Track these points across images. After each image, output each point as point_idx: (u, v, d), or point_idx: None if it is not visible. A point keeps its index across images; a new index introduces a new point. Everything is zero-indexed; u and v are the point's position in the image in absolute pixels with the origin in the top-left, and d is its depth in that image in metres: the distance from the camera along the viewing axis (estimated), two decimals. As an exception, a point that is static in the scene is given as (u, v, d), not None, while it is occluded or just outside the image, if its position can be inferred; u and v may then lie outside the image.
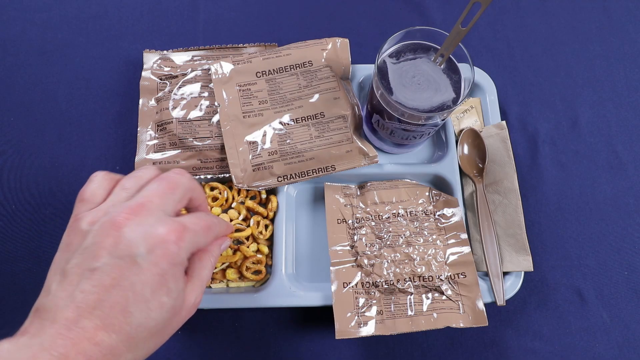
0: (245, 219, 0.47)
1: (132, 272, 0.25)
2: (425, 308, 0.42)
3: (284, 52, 0.49)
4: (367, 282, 0.43)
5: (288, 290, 0.44)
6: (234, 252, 0.45)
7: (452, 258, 0.45)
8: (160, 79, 0.50)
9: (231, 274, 0.45)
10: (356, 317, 0.42)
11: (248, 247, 0.46)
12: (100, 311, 0.24)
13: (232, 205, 0.47)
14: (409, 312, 0.42)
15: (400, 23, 0.60)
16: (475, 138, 0.50)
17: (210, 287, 0.45)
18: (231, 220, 0.47)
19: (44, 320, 0.24)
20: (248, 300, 0.43)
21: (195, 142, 0.46)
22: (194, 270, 0.30)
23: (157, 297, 0.26)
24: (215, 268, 0.46)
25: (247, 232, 0.46)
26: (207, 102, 0.48)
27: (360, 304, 0.42)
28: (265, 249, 0.46)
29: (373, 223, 0.46)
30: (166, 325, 0.27)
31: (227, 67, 0.48)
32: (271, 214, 0.47)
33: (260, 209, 0.47)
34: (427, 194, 0.48)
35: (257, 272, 0.46)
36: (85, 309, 0.24)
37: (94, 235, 0.26)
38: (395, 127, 0.43)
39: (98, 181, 0.30)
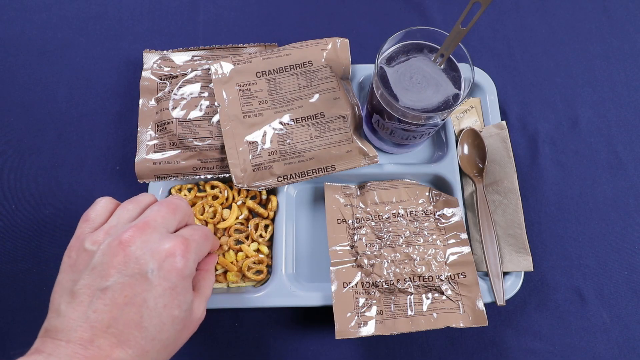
0: (247, 219, 0.47)
1: (143, 289, 0.26)
2: (425, 308, 0.42)
3: (284, 52, 0.49)
4: (367, 282, 0.43)
5: (288, 290, 0.44)
6: (236, 252, 0.45)
7: (452, 258, 0.45)
8: (160, 79, 0.50)
9: (232, 276, 0.45)
10: (356, 317, 0.42)
11: (248, 246, 0.46)
12: (115, 329, 0.24)
13: (233, 205, 0.47)
14: (409, 312, 0.42)
15: (400, 23, 0.60)
16: (475, 138, 0.50)
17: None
18: (224, 220, 0.47)
19: (58, 341, 0.24)
20: (248, 300, 0.43)
21: (195, 142, 0.46)
22: (200, 287, 0.32)
23: (170, 311, 0.27)
24: (216, 270, 0.46)
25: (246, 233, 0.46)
26: (207, 102, 0.48)
27: (360, 304, 0.42)
28: (265, 249, 0.46)
29: (373, 223, 0.46)
30: (177, 338, 0.28)
31: (227, 67, 0.48)
32: (271, 214, 0.47)
33: (261, 210, 0.47)
34: (427, 194, 0.48)
35: (259, 272, 0.46)
36: (99, 328, 0.24)
37: (101, 255, 0.26)
38: (395, 127, 0.43)
39: (103, 204, 0.31)
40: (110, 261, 0.26)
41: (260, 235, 0.46)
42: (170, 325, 0.27)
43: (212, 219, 0.46)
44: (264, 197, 0.48)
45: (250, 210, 0.48)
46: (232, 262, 0.45)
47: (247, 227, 0.47)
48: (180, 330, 0.28)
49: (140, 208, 0.31)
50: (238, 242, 0.46)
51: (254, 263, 0.45)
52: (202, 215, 0.46)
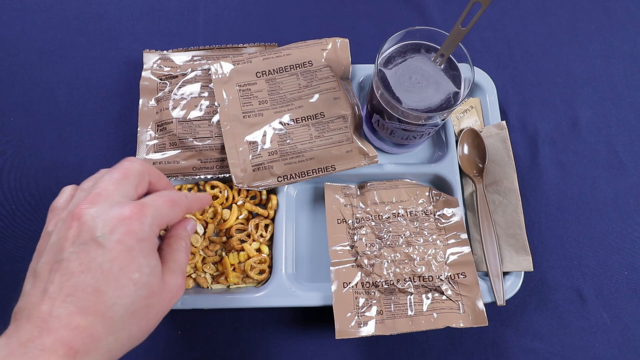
0: (247, 219, 0.47)
1: (98, 254, 0.25)
2: (425, 308, 0.42)
3: (284, 52, 0.49)
4: (367, 282, 0.43)
5: (288, 290, 0.44)
6: (238, 252, 0.45)
7: (452, 258, 0.45)
8: (160, 79, 0.50)
9: (233, 277, 0.45)
10: (356, 317, 0.42)
11: (250, 244, 0.46)
12: (73, 297, 0.24)
13: (233, 205, 0.47)
14: (409, 312, 0.42)
15: (400, 23, 0.60)
16: (475, 138, 0.50)
17: (210, 287, 0.45)
18: (225, 221, 0.47)
19: (19, 320, 0.24)
20: (248, 300, 0.43)
21: (195, 142, 0.46)
22: (166, 254, 0.30)
23: (128, 274, 0.26)
24: (218, 271, 0.46)
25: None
26: (207, 102, 0.48)
27: (360, 304, 0.42)
28: (266, 249, 0.46)
29: (373, 223, 0.46)
30: (146, 305, 0.27)
31: (227, 67, 0.48)
32: (271, 212, 0.47)
33: (260, 210, 0.47)
34: (427, 194, 0.48)
35: (261, 272, 0.46)
36: (58, 299, 0.24)
37: (57, 231, 0.27)
38: (395, 127, 0.43)
39: (67, 191, 0.31)
40: (65, 235, 0.26)
41: (261, 235, 0.46)
42: (132, 289, 0.26)
43: (211, 219, 0.46)
44: (264, 197, 0.48)
45: (251, 212, 0.48)
46: (232, 264, 0.45)
47: (248, 227, 0.47)
48: (147, 297, 0.27)
49: (96, 181, 0.30)
50: (241, 241, 0.46)
51: (257, 263, 0.45)
52: (201, 215, 0.46)
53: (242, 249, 0.45)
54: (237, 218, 0.47)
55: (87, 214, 0.26)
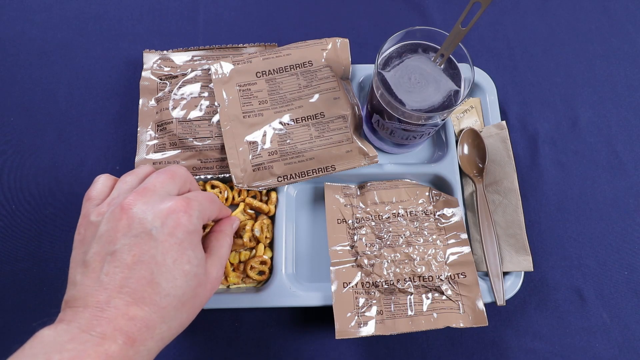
0: (251, 218, 0.47)
1: (150, 246, 0.26)
2: (425, 308, 0.42)
3: (284, 52, 0.49)
4: (367, 282, 0.43)
5: (288, 290, 0.44)
6: (251, 250, 0.45)
7: (452, 258, 0.45)
8: (160, 79, 0.50)
9: (233, 277, 0.45)
10: (356, 317, 0.42)
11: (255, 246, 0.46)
12: (128, 288, 0.25)
13: (241, 204, 0.47)
14: (409, 312, 0.42)
15: (400, 23, 0.60)
16: (475, 138, 0.50)
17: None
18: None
19: (76, 308, 0.25)
20: (248, 300, 0.43)
21: (195, 142, 0.46)
22: (212, 247, 0.32)
23: (180, 266, 0.27)
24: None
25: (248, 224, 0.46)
26: (207, 102, 0.48)
27: (360, 304, 0.42)
28: (269, 252, 0.46)
29: (373, 223, 0.46)
30: (194, 295, 0.28)
31: (227, 67, 0.48)
32: (272, 208, 0.47)
33: (261, 205, 0.47)
34: (427, 194, 0.48)
35: (261, 273, 0.46)
36: (113, 290, 0.25)
37: (106, 222, 0.27)
38: (395, 127, 0.43)
39: (102, 181, 0.32)
40: (115, 227, 0.27)
41: (266, 237, 0.46)
42: (183, 280, 0.27)
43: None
44: (265, 199, 0.48)
45: (252, 209, 0.47)
46: (232, 264, 0.45)
47: (252, 230, 0.46)
48: (195, 287, 0.28)
49: (139, 178, 0.32)
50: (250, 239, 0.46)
51: (259, 263, 0.45)
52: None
53: (253, 248, 0.45)
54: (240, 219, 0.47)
55: (137, 206, 0.27)
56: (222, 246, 0.33)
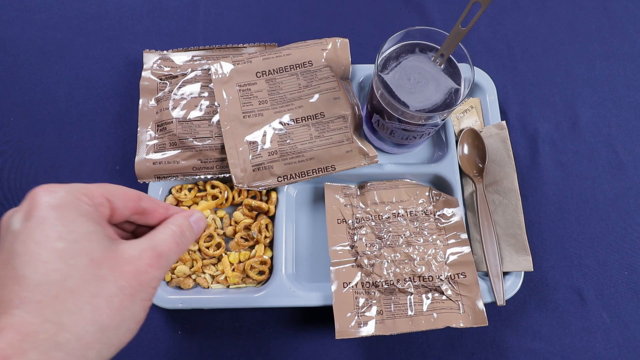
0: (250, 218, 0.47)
1: (11, 242, 0.21)
2: (425, 308, 0.42)
3: (284, 52, 0.49)
4: (367, 282, 0.43)
5: (288, 290, 0.44)
6: (250, 249, 0.46)
7: (452, 258, 0.45)
8: (160, 79, 0.50)
9: (233, 277, 0.45)
10: (356, 317, 0.42)
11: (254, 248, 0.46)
12: None
13: (243, 201, 0.47)
14: (409, 312, 0.42)
15: (400, 23, 0.60)
16: (475, 138, 0.50)
17: (210, 287, 0.45)
18: (237, 223, 0.47)
19: None
20: (248, 300, 0.43)
21: (195, 142, 0.46)
22: (148, 234, 0.26)
23: (47, 246, 0.21)
24: (218, 270, 0.46)
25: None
26: (207, 102, 0.48)
27: (360, 304, 0.42)
28: (269, 252, 0.46)
29: (373, 223, 0.46)
30: (94, 278, 0.21)
31: (227, 67, 0.48)
32: (272, 208, 0.47)
33: (261, 204, 0.47)
34: (427, 194, 0.48)
35: (261, 273, 0.46)
36: None
37: None
38: (395, 127, 0.43)
39: None
40: None
41: (265, 237, 0.46)
42: (59, 262, 0.21)
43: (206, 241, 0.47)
44: (265, 199, 0.48)
45: (252, 209, 0.47)
46: (232, 264, 0.45)
47: (251, 231, 0.46)
48: (88, 267, 0.21)
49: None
50: (246, 239, 0.46)
51: (259, 263, 0.45)
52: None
53: (252, 247, 0.45)
54: (241, 219, 0.47)
55: (5, 215, 0.23)
56: (158, 232, 0.26)
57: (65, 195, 0.22)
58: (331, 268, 0.44)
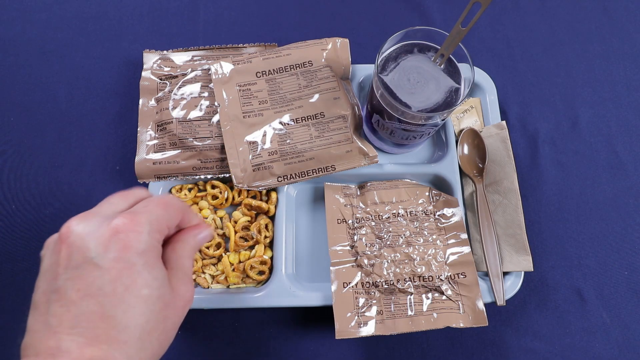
0: (250, 221, 0.47)
1: (95, 277, 0.23)
2: (425, 308, 0.42)
3: (284, 52, 0.49)
4: (367, 282, 0.43)
5: (288, 290, 0.44)
6: (250, 249, 0.46)
7: (452, 258, 0.45)
8: (160, 79, 0.50)
9: (233, 277, 0.45)
10: (356, 317, 0.42)
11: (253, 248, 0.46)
12: (80, 327, 0.22)
13: (242, 202, 0.47)
14: (409, 312, 0.42)
15: (400, 23, 0.60)
16: (475, 138, 0.50)
17: (210, 287, 0.45)
18: (236, 222, 0.47)
19: (28, 358, 0.23)
20: (248, 300, 0.43)
21: (195, 142, 0.46)
22: (171, 261, 0.28)
23: (135, 292, 0.24)
24: (218, 270, 0.46)
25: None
26: (207, 102, 0.48)
27: (360, 304, 0.42)
28: (269, 252, 0.46)
29: (373, 223, 0.46)
30: (163, 319, 0.25)
31: (227, 67, 0.48)
32: (272, 208, 0.47)
33: (260, 204, 0.47)
34: (427, 194, 0.48)
35: (261, 273, 0.46)
36: (63, 332, 0.22)
37: (48, 256, 0.25)
38: (395, 127, 0.43)
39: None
40: (56, 260, 0.24)
41: (265, 237, 0.46)
42: (144, 307, 0.24)
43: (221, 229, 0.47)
44: (265, 199, 0.48)
45: (252, 209, 0.47)
46: (232, 264, 0.45)
47: (251, 232, 0.47)
48: (162, 310, 0.25)
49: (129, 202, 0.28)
50: (245, 239, 0.46)
51: (259, 263, 0.45)
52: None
53: (252, 247, 0.45)
54: (240, 218, 0.47)
55: (75, 233, 0.24)
56: (181, 257, 0.28)
57: (148, 240, 0.25)
58: (331, 268, 0.44)
